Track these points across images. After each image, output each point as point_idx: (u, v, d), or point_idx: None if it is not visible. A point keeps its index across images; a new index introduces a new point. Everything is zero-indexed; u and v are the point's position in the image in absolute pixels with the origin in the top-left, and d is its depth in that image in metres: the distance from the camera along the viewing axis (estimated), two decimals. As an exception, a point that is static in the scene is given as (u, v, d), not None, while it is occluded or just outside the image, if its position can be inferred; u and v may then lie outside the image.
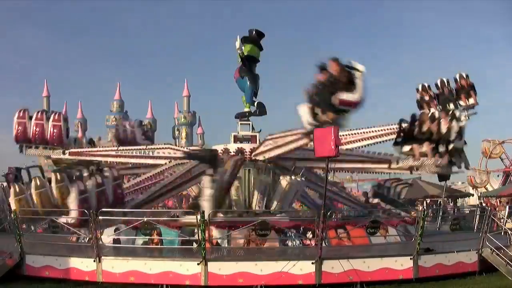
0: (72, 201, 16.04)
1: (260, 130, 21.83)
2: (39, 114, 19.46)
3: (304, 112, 15.58)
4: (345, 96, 14.79)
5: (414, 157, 18.39)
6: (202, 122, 64.63)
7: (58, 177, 17.32)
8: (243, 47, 20.91)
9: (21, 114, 19.29)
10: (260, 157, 19.54)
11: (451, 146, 17.95)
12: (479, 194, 43.73)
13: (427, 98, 19.81)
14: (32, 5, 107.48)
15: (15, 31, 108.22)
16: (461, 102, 19.36)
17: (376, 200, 19.65)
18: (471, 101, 19.26)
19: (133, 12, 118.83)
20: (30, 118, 19.33)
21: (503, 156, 46.07)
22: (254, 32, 21.35)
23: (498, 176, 46.50)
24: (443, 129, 17.83)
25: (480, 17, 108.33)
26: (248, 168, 20.10)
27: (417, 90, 20.19)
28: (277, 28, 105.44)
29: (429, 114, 18.45)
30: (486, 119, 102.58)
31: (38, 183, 16.98)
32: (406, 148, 18.68)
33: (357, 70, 14.83)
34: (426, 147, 17.98)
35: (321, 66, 15.32)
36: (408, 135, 18.52)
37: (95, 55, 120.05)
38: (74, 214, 15.88)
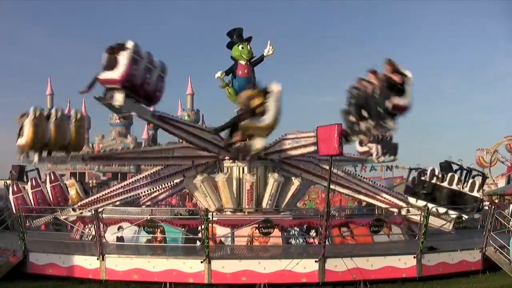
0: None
1: None
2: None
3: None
4: (397, 100, 14.57)
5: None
6: (205, 120, 64.56)
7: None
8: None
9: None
10: (275, 156, 19.70)
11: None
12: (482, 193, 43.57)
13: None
14: (34, 3, 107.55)
15: (19, 29, 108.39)
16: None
17: None
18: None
19: (137, 10, 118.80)
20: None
21: (502, 159, 46.14)
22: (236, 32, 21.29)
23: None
24: None
25: (483, 15, 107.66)
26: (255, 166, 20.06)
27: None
28: (276, 26, 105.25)
29: None
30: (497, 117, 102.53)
31: None
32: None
33: (406, 75, 14.73)
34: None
35: (371, 70, 15.15)
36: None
37: (98, 53, 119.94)
38: None
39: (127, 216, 17.82)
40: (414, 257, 14.54)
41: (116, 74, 15.01)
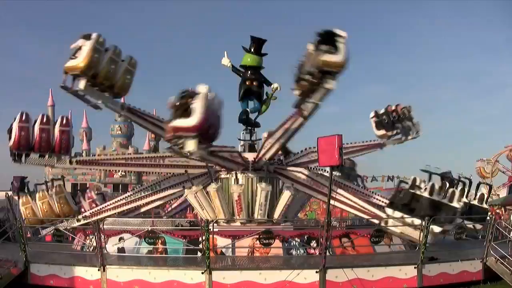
0: None
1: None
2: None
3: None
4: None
5: None
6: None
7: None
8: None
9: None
10: (267, 155, 19.72)
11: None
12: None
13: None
14: (34, 14, 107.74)
15: (17, 39, 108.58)
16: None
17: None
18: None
19: (133, 19, 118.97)
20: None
21: (503, 169, 46.17)
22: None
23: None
24: None
25: (481, 22, 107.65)
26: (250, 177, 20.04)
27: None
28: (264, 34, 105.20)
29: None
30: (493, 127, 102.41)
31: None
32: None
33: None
34: None
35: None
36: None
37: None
38: None
39: (128, 227, 17.84)
40: (415, 268, 14.53)
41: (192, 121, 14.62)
